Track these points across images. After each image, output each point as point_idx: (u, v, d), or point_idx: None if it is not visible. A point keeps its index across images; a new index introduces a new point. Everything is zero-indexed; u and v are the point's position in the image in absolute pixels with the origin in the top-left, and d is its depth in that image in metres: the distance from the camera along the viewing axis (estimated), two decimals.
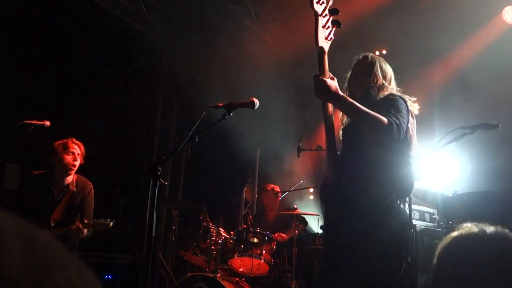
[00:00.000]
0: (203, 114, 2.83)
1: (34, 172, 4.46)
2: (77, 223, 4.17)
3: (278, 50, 8.44)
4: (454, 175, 5.83)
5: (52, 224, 4.25)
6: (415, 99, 2.78)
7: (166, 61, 9.04)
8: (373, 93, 2.66)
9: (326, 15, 2.41)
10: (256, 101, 2.92)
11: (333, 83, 2.41)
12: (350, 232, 2.44)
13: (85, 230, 4.20)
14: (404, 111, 2.50)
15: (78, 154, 4.35)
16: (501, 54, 7.18)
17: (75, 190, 4.40)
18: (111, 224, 4.25)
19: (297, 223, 5.80)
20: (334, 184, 2.57)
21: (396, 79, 2.85)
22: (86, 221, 4.23)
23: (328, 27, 2.43)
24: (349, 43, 7.42)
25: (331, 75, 2.48)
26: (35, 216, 4.28)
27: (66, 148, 4.32)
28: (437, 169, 5.49)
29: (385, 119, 2.37)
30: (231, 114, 2.89)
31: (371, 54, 2.86)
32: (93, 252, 6.94)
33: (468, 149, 4.93)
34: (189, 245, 5.34)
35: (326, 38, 2.43)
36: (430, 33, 7.40)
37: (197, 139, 2.77)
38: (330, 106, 2.49)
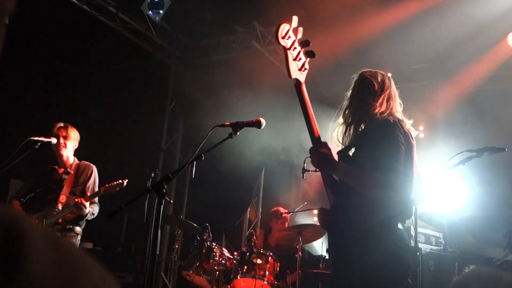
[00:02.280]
0: (209, 133, 2.84)
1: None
2: (79, 199, 4.22)
3: (284, 72, 8.50)
4: (460, 198, 5.79)
5: (60, 207, 4.32)
6: (411, 122, 2.65)
7: (172, 81, 9.13)
8: (363, 122, 2.61)
9: (295, 48, 2.47)
10: (263, 120, 2.94)
11: (327, 153, 2.44)
12: (348, 255, 2.45)
13: (87, 204, 4.21)
14: (398, 148, 2.41)
15: (63, 137, 4.47)
16: (506, 78, 7.22)
17: (74, 173, 4.51)
18: (125, 182, 4.26)
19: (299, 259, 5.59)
20: (333, 209, 2.57)
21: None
22: (88, 194, 4.29)
23: (300, 58, 2.51)
24: (354, 66, 7.47)
25: (324, 141, 2.50)
26: (45, 197, 4.43)
27: (52, 131, 4.47)
28: (443, 192, 5.46)
29: (380, 182, 2.33)
30: (238, 133, 2.90)
31: (354, 75, 2.78)
32: None
33: (474, 173, 4.91)
34: (192, 265, 5.30)
35: (300, 70, 2.51)
36: (435, 57, 7.45)
37: (203, 158, 2.77)
38: (317, 132, 2.50)
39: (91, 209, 4.32)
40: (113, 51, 8.08)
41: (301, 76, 2.50)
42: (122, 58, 8.40)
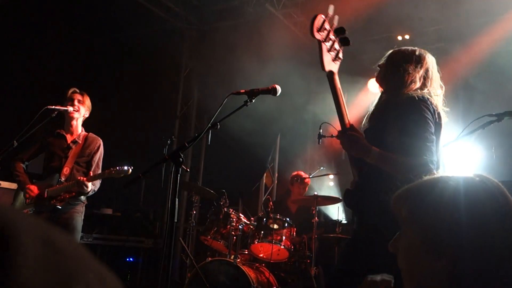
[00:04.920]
0: (224, 100, 2.82)
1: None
2: (81, 177, 4.13)
3: (299, 35, 8.35)
4: (478, 163, 5.73)
5: (63, 179, 4.24)
6: (447, 109, 2.59)
7: (186, 47, 9.04)
8: (392, 96, 2.57)
9: (330, 39, 2.39)
10: (278, 87, 2.90)
11: (357, 136, 2.38)
12: (373, 224, 2.44)
13: (89, 184, 4.12)
14: (426, 124, 2.39)
15: (78, 101, 4.36)
16: None
17: (82, 143, 4.41)
18: (130, 170, 4.09)
19: (316, 222, 5.69)
20: (357, 186, 2.54)
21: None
22: (91, 174, 4.21)
23: (334, 49, 2.43)
24: (372, 28, 7.31)
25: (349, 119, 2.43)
26: (49, 164, 4.35)
27: (67, 95, 4.38)
28: (461, 157, 5.40)
29: (416, 160, 2.29)
30: (253, 100, 2.87)
31: (391, 51, 2.70)
32: (116, 236, 7.06)
33: (494, 137, 4.83)
34: (209, 230, 5.38)
35: (333, 60, 2.45)
36: (454, 19, 7.23)
37: (218, 126, 2.76)
38: (348, 122, 2.44)
39: (93, 186, 4.22)
40: (125, 17, 8.00)
41: (335, 67, 2.45)
42: (135, 24, 8.31)
